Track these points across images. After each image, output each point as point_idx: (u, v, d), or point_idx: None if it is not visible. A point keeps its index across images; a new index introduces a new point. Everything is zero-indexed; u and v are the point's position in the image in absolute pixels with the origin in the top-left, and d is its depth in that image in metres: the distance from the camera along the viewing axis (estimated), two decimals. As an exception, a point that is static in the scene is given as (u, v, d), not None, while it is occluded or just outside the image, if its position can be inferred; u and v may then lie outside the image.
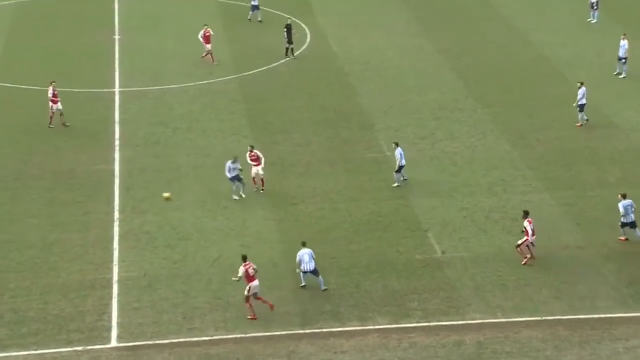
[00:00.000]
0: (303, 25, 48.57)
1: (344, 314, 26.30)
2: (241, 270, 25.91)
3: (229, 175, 31.84)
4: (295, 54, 44.99)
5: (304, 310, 26.47)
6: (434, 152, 36.20)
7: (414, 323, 25.96)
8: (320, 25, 49.42)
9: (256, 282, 25.93)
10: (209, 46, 43.89)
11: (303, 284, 27.25)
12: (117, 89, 41.55)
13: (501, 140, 37.08)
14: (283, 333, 25.51)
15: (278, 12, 50.71)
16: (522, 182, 33.78)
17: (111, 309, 26.31)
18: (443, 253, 29.36)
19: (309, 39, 47.55)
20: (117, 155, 35.34)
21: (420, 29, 49.57)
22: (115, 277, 27.79)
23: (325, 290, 27.16)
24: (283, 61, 44.80)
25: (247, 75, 43.32)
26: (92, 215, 31.05)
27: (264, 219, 31.02)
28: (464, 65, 44.82)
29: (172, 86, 41.91)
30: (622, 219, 29.26)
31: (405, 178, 33.38)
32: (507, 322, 26.01)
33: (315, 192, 32.83)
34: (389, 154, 34.88)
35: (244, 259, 26.14)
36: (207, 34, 43.96)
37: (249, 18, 49.40)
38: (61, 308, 26.25)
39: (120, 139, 36.81)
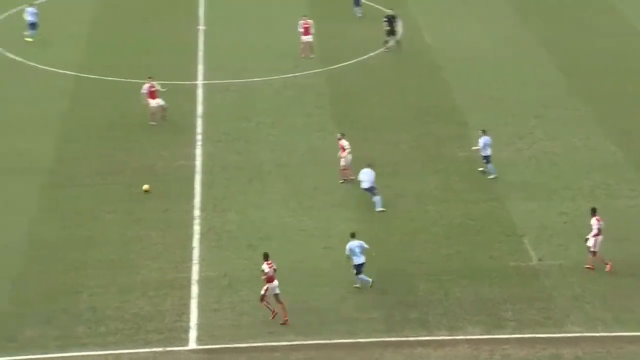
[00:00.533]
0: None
1: (432, 322, 26.33)
2: (266, 268, 26.23)
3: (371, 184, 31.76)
4: (388, 46, 45.05)
5: (389, 316, 26.59)
6: (532, 152, 35.81)
7: (507, 334, 25.80)
8: (413, 15, 49.34)
9: (275, 283, 26.21)
10: (306, 37, 44.22)
11: (371, 282, 27.40)
12: (199, 82, 42.42)
13: (605, 140, 36.40)
14: (367, 340, 25.68)
15: (370, 3, 50.81)
16: (627, 185, 33.11)
17: (190, 309, 26.95)
18: (539, 260, 29.07)
19: (401, 30, 47.52)
20: (198, 151, 36.13)
21: (520, 19, 49.00)
22: (195, 277, 28.44)
23: (372, 285, 27.18)
24: (372, 54, 44.98)
25: (335, 68, 43.63)
26: (172, 213, 31.83)
27: (349, 219, 31.24)
28: (567, 58, 44.12)
29: (257, 79, 42.53)
30: None
31: (481, 169, 33.26)
32: (608, 336, 25.59)
33: (403, 193, 32.89)
34: (483, 153, 34.68)
35: (266, 256, 26.43)
36: (306, 25, 44.39)
37: (359, 15, 49.27)
38: (139, 307, 27.02)
39: (202, 133, 37.61)
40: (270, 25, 48.77)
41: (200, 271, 28.68)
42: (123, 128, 37.89)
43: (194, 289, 27.83)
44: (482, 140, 33.54)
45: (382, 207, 31.65)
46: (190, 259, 29.27)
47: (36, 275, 28.40)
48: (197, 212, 31.85)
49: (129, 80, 41.65)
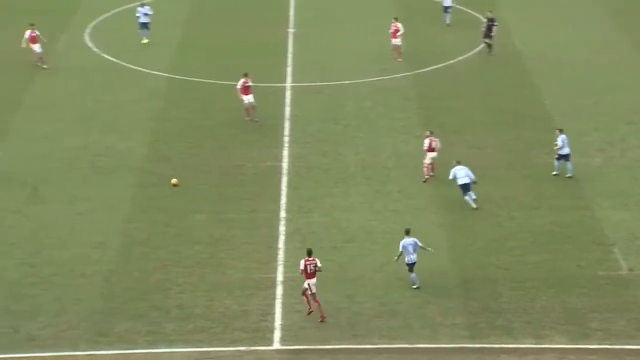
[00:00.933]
0: (484, 19, 47.96)
1: (517, 330, 26.02)
2: (301, 264, 26.48)
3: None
4: (490, 49, 44.62)
5: (473, 322, 26.39)
6: (625, 160, 35.03)
7: (594, 344, 25.35)
8: (504, 19, 48.70)
9: (313, 280, 26.31)
10: (395, 41, 44.12)
11: (416, 286, 27.42)
12: (288, 84, 42.80)
13: (702, 148, 35.42)
14: (450, 346, 25.56)
15: (460, 7, 50.39)
16: None
17: (275, 309, 27.24)
18: (630, 270, 28.44)
19: (496, 35, 46.95)
20: (285, 152, 36.46)
21: (616, 23, 47.94)
22: (280, 277, 28.73)
23: (418, 288, 27.16)
24: (461, 58, 44.62)
25: (422, 72, 43.47)
26: (259, 213, 32.20)
27: (433, 223, 31.11)
28: (663, 63, 43.06)
29: (345, 82, 42.67)
30: None
31: (570, 175, 33.06)
32: (701, 350, 24.92)
33: (489, 198, 32.57)
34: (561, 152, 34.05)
35: (309, 253, 26.60)
36: (395, 28, 44.33)
37: (448, 23, 48.85)
38: (226, 306, 27.42)
39: (290, 135, 37.94)
40: (359, 28, 48.83)
41: (285, 272, 28.95)
42: (212, 128, 38.50)
43: (279, 290, 28.11)
44: (561, 138, 33.08)
45: (475, 205, 31.53)
46: (275, 260, 29.57)
47: (127, 273, 29.10)
48: (283, 214, 32.14)
49: (218, 81, 42.32)
